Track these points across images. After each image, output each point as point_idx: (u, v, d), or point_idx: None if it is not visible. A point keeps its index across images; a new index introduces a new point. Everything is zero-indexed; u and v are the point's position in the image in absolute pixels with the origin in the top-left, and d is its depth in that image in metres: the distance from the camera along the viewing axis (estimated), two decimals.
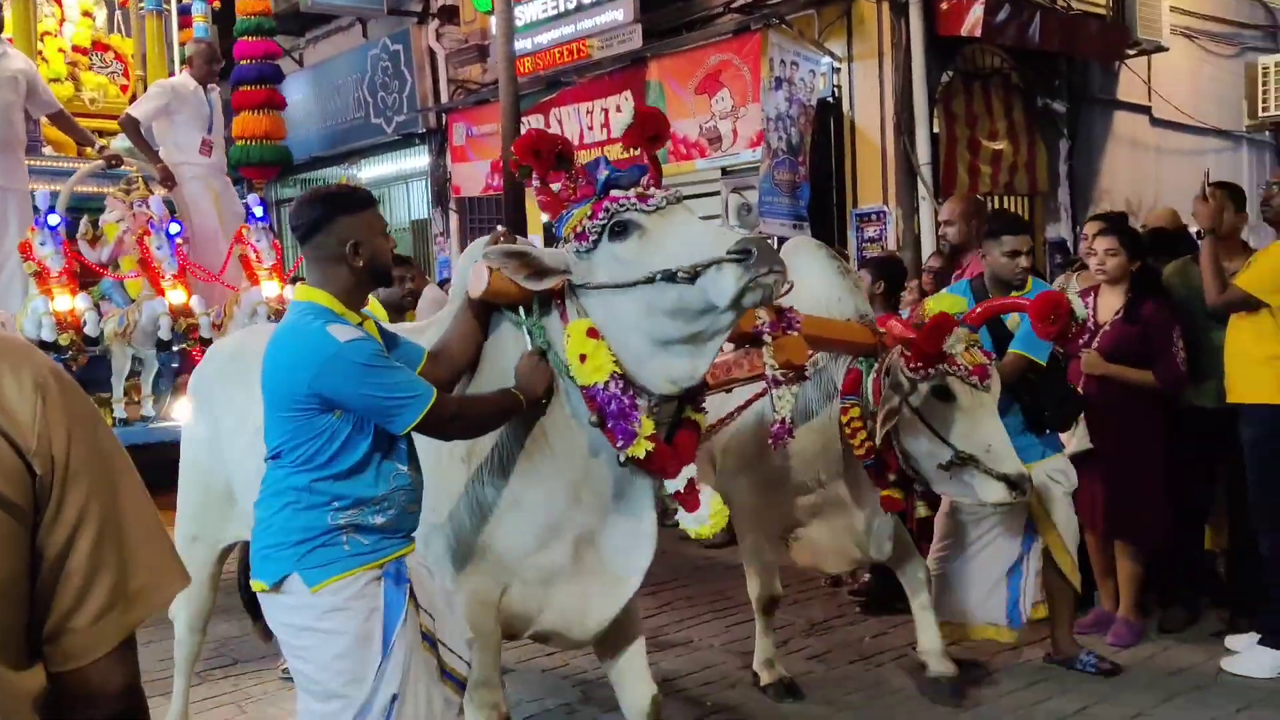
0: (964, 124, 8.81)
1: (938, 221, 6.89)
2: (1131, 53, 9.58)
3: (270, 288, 5.75)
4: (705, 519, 2.73)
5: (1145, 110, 10.18)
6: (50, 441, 1.04)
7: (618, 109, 10.22)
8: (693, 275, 2.49)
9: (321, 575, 2.39)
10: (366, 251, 2.50)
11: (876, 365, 3.77)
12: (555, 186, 2.79)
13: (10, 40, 6.50)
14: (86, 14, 7.61)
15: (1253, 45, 11.23)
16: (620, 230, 2.62)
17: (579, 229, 2.68)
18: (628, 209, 2.61)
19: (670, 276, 2.52)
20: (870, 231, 8.77)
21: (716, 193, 10.91)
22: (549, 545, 2.83)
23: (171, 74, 7.26)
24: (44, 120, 6.71)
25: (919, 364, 3.60)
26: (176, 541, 3.51)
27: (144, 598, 1.11)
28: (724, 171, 10.58)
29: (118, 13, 8.04)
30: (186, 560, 3.53)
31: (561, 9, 10.45)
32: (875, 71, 8.73)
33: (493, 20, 10.90)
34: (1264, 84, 10.87)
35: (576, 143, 10.69)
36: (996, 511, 4.12)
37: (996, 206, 9.02)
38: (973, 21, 8.19)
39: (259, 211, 6.08)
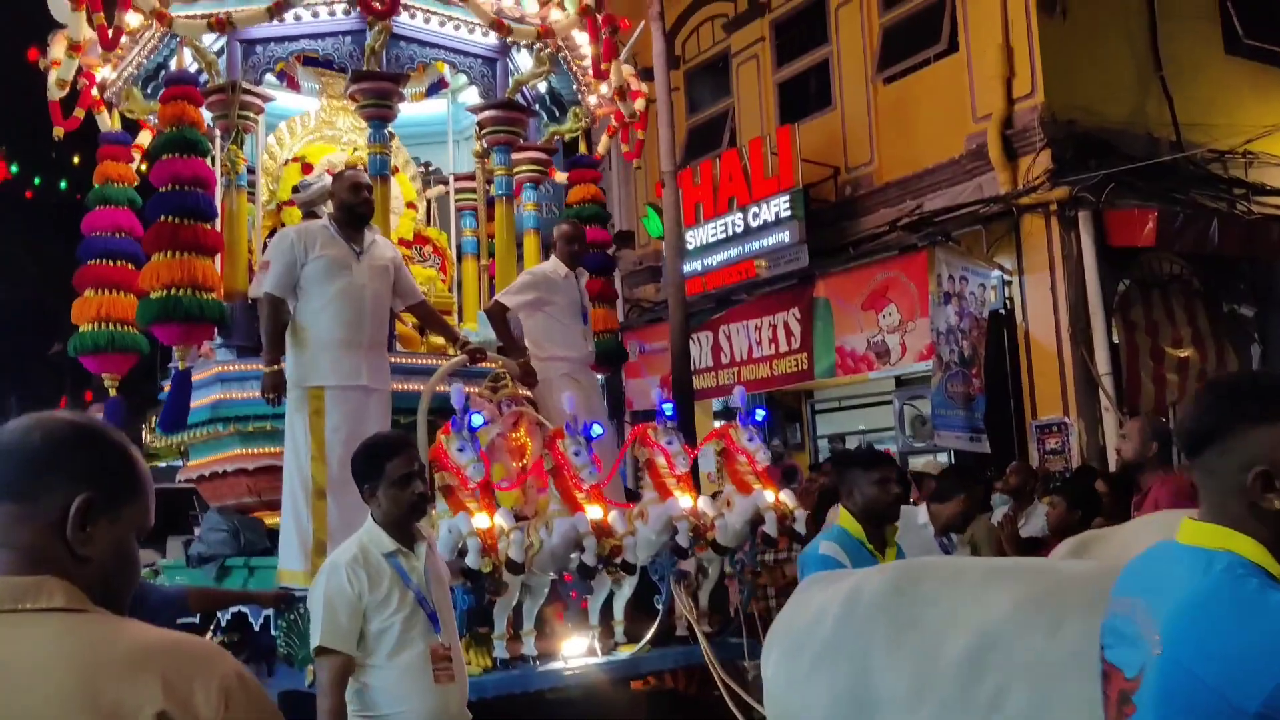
0: (1144, 332, 8.60)
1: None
2: None
3: (684, 501, 4.76)
4: None
5: None
6: None
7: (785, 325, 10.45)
8: None
9: None
10: None
11: None
12: None
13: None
14: (410, 205, 7.07)
15: None
16: None
17: None
18: None
19: None
20: (1052, 443, 8.52)
21: (889, 402, 10.89)
22: None
23: (519, 261, 6.71)
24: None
25: None
26: None
27: None
28: (898, 382, 10.57)
29: (434, 204, 7.62)
30: None
31: (731, 232, 10.88)
32: (1047, 283, 8.70)
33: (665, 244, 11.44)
34: None
35: (744, 358, 10.95)
36: None
37: None
38: (1147, 231, 8.13)
39: (669, 409, 5.09)
